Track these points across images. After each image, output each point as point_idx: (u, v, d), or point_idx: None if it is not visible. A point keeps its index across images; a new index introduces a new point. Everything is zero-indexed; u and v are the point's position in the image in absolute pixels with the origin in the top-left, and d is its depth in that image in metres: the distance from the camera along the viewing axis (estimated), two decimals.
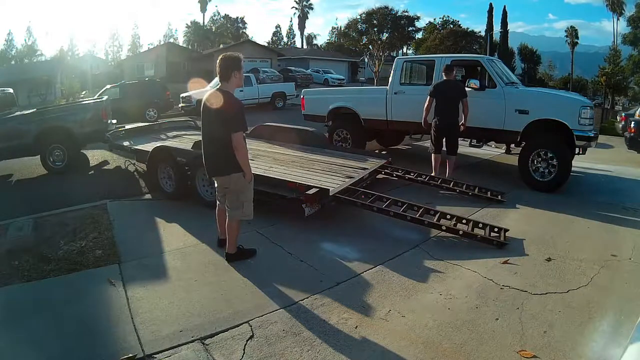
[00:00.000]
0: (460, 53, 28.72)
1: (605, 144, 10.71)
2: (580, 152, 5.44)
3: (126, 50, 61.89)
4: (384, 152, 7.65)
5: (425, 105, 5.65)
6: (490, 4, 47.88)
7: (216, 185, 3.41)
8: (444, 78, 5.60)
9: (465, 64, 7.20)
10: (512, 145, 6.46)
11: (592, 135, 5.26)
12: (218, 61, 3.14)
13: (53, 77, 24.79)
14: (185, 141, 6.37)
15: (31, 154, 6.84)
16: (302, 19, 61.03)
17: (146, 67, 34.51)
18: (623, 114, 10.76)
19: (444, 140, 5.71)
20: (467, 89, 5.76)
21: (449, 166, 5.68)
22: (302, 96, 8.08)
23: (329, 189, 4.19)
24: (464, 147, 8.30)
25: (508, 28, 49.66)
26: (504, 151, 7.75)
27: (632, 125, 8.45)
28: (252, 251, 3.54)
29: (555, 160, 5.32)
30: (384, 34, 33.00)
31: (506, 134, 5.79)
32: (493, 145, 8.36)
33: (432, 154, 5.76)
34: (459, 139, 5.81)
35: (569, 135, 5.23)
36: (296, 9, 60.67)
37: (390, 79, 6.84)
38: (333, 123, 7.50)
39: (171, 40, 61.73)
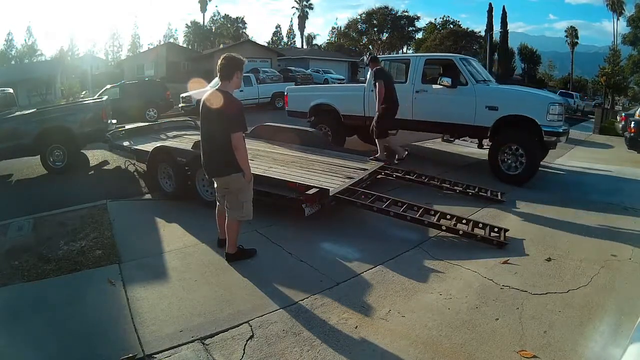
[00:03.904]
0: (460, 53, 28.69)
1: (605, 144, 10.74)
2: (552, 147, 5.70)
3: (126, 50, 61.95)
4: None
5: (381, 90, 5.80)
6: (490, 4, 47.73)
7: (216, 185, 3.40)
8: (377, 67, 5.92)
9: (439, 62, 7.38)
10: (487, 142, 6.59)
11: (561, 131, 5.46)
12: (220, 60, 3.13)
13: (53, 77, 24.73)
14: (185, 141, 6.37)
15: (31, 154, 6.84)
16: (302, 19, 60.94)
17: (146, 67, 34.50)
18: (623, 114, 10.78)
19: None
20: (439, 86, 6.10)
21: (380, 148, 5.99)
22: (285, 93, 8.26)
23: (328, 189, 4.19)
24: (464, 147, 8.31)
25: (508, 28, 49.53)
26: (477, 146, 7.84)
27: (632, 125, 8.47)
28: (252, 251, 3.54)
29: (522, 153, 5.52)
30: (384, 34, 33.08)
31: (477, 129, 6.04)
32: (487, 145, 8.33)
33: (379, 139, 6.00)
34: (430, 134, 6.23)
35: (539, 130, 5.40)
36: (296, 9, 60.58)
37: (367, 76, 7.00)
38: (314, 119, 7.68)
39: (171, 40, 61.74)
